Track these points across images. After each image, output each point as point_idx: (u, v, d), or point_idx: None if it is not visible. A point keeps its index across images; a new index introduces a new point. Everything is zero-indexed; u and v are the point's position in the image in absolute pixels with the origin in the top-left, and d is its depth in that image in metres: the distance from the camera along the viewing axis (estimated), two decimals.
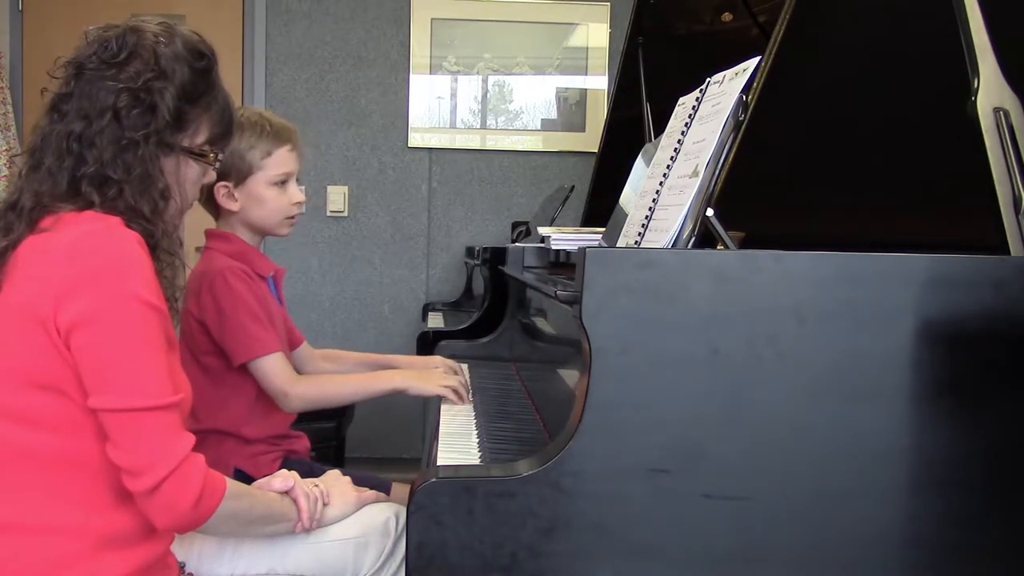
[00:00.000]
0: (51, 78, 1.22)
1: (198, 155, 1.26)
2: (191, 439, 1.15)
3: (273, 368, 1.63)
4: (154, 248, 1.18)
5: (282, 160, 1.70)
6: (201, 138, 1.27)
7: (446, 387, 1.72)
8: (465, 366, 2.13)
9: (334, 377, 1.82)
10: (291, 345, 1.89)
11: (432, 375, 1.79)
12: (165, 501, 1.11)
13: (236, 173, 1.67)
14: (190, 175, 1.27)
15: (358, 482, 1.54)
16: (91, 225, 1.14)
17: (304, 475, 1.64)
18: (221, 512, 1.17)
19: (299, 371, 1.93)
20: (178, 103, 1.21)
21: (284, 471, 1.42)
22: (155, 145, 1.20)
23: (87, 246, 1.12)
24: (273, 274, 1.79)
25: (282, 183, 1.71)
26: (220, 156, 1.31)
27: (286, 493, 1.35)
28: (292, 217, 1.75)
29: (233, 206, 1.68)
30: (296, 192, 1.73)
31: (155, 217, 1.19)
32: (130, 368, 1.11)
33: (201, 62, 1.24)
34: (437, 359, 1.96)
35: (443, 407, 1.71)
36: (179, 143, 1.24)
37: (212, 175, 1.33)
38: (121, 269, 1.11)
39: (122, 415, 1.10)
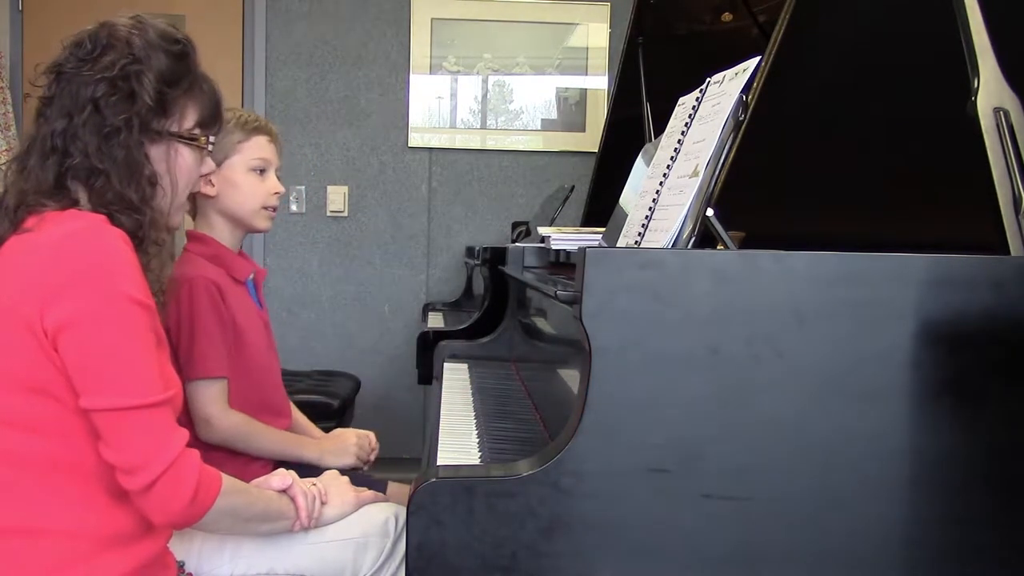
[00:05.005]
0: (34, 87, 1.23)
1: (188, 139, 1.26)
2: (185, 435, 1.15)
3: (206, 394, 1.59)
4: (141, 240, 1.18)
5: (259, 146, 1.71)
6: (189, 122, 1.26)
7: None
8: (465, 366, 2.13)
9: (264, 427, 1.69)
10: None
11: (347, 448, 1.77)
12: (161, 498, 1.11)
13: (212, 157, 1.67)
14: (183, 163, 1.26)
15: (355, 482, 1.54)
16: (74, 224, 1.14)
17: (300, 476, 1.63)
18: (218, 508, 1.17)
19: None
20: (158, 86, 1.20)
21: (282, 469, 1.42)
22: (139, 131, 1.19)
23: (71, 247, 1.11)
24: (253, 277, 1.77)
25: (260, 171, 1.71)
26: (212, 140, 1.30)
27: (284, 491, 1.35)
28: (272, 209, 1.74)
29: (209, 191, 1.67)
30: (275, 182, 1.73)
31: (143, 205, 1.19)
32: (119, 367, 1.10)
33: (176, 46, 1.24)
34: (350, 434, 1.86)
35: (443, 408, 1.71)
36: (167, 129, 1.23)
37: (210, 164, 1.33)
38: (107, 268, 1.11)
39: (113, 414, 1.10)
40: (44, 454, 1.13)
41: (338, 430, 1.90)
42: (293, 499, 1.35)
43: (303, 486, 1.37)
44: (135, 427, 1.11)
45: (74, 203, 1.17)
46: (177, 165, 1.26)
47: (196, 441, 1.59)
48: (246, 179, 1.70)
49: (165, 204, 1.25)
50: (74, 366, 1.10)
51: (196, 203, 1.71)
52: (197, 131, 1.27)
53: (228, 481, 1.20)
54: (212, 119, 1.30)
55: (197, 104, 1.27)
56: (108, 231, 1.14)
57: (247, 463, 1.65)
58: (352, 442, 1.78)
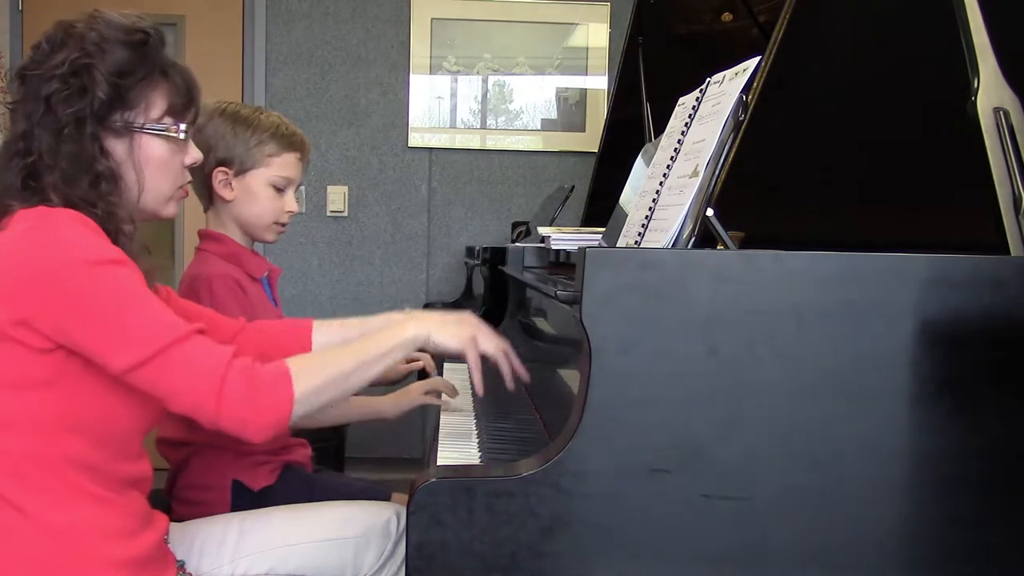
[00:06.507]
0: (6, 93, 1.23)
1: (156, 130, 1.23)
2: (221, 352, 1.12)
3: None
4: (107, 233, 1.16)
5: (287, 164, 1.70)
6: (157, 112, 1.24)
7: (424, 394, 1.71)
8: (465, 366, 2.13)
9: None
10: None
11: (410, 390, 1.75)
12: (235, 420, 1.10)
13: (239, 163, 1.67)
14: (150, 154, 1.24)
15: (358, 490, 1.54)
16: (30, 221, 1.13)
17: (303, 485, 1.64)
18: (306, 390, 1.13)
19: None
20: (113, 79, 1.19)
21: (468, 315, 1.35)
22: (94, 125, 1.18)
23: (24, 244, 1.11)
24: (267, 274, 1.78)
25: (280, 188, 1.71)
26: (183, 127, 1.26)
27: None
28: (282, 225, 1.74)
29: (227, 195, 1.68)
30: (292, 201, 1.73)
31: (98, 200, 1.17)
32: (121, 325, 1.09)
33: (135, 36, 1.22)
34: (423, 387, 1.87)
35: (443, 408, 1.71)
36: (130, 121, 1.22)
37: (195, 155, 1.30)
38: (62, 247, 1.10)
39: (144, 370, 1.09)
40: (23, 449, 1.13)
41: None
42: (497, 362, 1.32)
43: (485, 345, 1.33)
44: (170, 371, 1.10)
45: (45, 200, 1.16)
46: (143, 157, 1.23)
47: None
48: (265, 193, 1.69)
49: (131, 197, 1.23)
50: (86, 345, 1.10)
51: (213, 202, 1.71)
52: (167, 120, 1.24)
53: (296, 363, 1.16)
54: (184, 107, 1.27)
55: (165, 93, 1.24)
56: (60, 213, 1.13)
57: (256, 464, 1.65)
58: (415, 391, 1.76)
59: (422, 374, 2.06)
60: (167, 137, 1.25)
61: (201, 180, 1.65)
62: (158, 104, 1.24)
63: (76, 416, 1.14)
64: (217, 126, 1.62)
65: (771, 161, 1.34)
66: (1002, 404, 1.06)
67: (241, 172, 1.68)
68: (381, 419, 1.73)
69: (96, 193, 1.17)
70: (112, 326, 1.10)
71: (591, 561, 1.05)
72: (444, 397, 1.72)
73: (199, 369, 1.10)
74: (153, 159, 1.24)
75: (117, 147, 1.22)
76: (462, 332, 1.31)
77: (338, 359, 1.21)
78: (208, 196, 1.71)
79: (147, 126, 1.23)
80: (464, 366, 2.14)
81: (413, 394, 1.74)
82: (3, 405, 1.13)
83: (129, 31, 1.21)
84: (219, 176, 1.66)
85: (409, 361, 1.98)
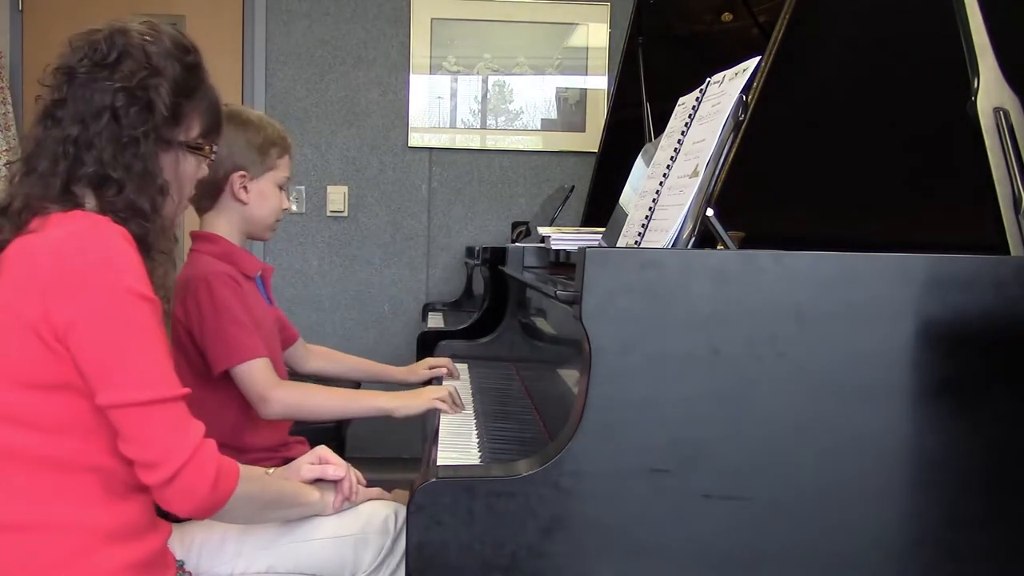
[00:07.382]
0: (42, 86, 1.23)
1: (195, 148, 1.28)
2: (201, 426, 1.16)
3: (253, 374, 1.62)
4: (149, 247, 1.18)
5: (287, 165, 1.77)
6: (195, 131, 1.28)
7: (436, 399, 1.69)
8: (465, 366, 2.13)
9: (319, 389, 1.76)
10: (285, 343, 1.89)
11: (422, 392, 1.75)
12: (183, 489, 1.13)
13: (256, 166, 1.71)
14: (188, 170, 1.29)
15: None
16: (76, 224, 1.14)
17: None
18: (238, 495, 1.18)
19: (296, 368, 1.94)
20: (174, 98, 1.22)
21: (319, 450, 1.43)
22: (154, 142, 1.21)
23: (72, 246, 1.11)
24: (261, 273, 1.79)
25: (282, 188, 1.77)
26: (215, 148, 1.33)
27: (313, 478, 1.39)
28: (277, 222, 1.81)
29: (245, 197, 1.71)
30: (286, 199, 1.80)
31: (154, 214, 1.20)
32: (134, 362, 1.11)
33: (189, 56, 1.25)
34: (431, 362, 2.00)
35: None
36: (176, 138, 1.25)
37: (205, 170, 1.34)
38: (109, 265, 1.11)
39: (132, 410, 1.10)
40: (37, 450, 1.13)
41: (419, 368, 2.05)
42: (339, 488, 1.40)
43: (337, 460, 1.41)
44: (154, 421, 1.11)
45: (79, 206, 1.17)
46: (184, 172, 1.28)
47: (257, 420, 1.65)
48: (274, 193, 1.75)
49: (172, 211, 1.27)
50: (88, 364, 1.10)
51: (218, 205, 1.72)
52: (201, 140, 1.29)
53: (244, 468, 1.22)
54: (215, 127, 1.32)
55: (203, 113, 1.28)
56: (110, 228, 1.14)
57: (255, 462, 1.64)
58: (427, 394, 1.73)
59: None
60: (200, 155, 1.29)
61: (211, 184, 1.66)
62: (196, 124, 1.28)
63: (91, 419, 1.14)
64: (228, 132, 1.63)
65: (771, 161, 1.34)
66: (1002, 404, 1.06)
67: (257, 175, 1.72)
68: (386, 416, 1.73)
69: (152, 205, 1.20)
70: (117, 360, 1.11)
71: (591, 561, 1.05)
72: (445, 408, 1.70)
73: (179, 433, 1.13)
74: (188, 174, 1.29)
75: (165, 161, 1.24)
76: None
77: (268, 487, 1.33)
78: (212, 199, 1.71)
79: (189, 144, 1.27)
80: (464, 366, 2.15)
81: (423, 399, 1.72)
82: (20, 403, 1.13)
83: (184, 49, 1.25)
84: (238, 180, 1.70)
85: (432, 368, 2.02)
